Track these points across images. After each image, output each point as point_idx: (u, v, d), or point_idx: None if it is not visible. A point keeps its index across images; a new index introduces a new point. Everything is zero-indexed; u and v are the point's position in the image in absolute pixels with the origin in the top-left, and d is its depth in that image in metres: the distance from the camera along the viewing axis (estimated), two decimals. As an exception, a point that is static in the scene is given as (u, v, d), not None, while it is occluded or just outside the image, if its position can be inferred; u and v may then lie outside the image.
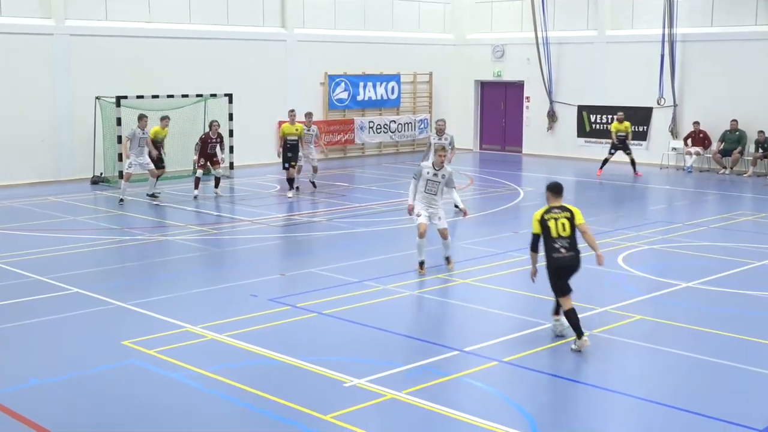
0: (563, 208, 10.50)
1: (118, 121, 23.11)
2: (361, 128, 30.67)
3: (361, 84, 30.54)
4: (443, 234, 13.84)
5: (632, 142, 29.24)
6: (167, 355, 9.93)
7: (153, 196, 21.26)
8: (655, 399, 8.80)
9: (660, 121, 28.60)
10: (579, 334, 10.15)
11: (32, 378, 9.29)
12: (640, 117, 28.94)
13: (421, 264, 13.69)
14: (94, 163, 24.18)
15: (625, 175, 26.25)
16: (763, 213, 20.00)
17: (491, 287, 13.09)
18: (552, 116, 31.09)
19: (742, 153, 26.42)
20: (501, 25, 32.72)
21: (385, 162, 29.39)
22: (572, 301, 10.39)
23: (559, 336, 10.63)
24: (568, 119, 30.77)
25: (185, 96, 24.79)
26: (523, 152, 32.03)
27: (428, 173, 13.83)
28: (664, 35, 27.92)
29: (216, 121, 22.14)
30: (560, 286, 10.42)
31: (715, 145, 27.08)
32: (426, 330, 10.96)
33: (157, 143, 21.78)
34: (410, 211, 13.93)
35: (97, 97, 23.99)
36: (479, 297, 12.53)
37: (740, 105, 26.66)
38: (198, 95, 25.17)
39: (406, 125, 32.02)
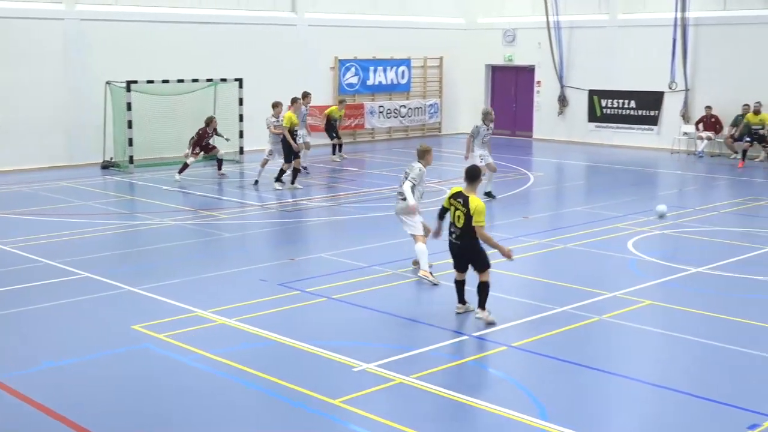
0: (466, 202, 10.48)
1: (128, 106, 23.12)
2: (371, 113, 30.59)
3: (372, 68, 30.45)
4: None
5: (642, 127, 29.20)
6: (177, 339, 9.95)
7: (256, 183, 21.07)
8: (665, 384, 8.78)
9: (671, 106, 28.44)
10: (482, 305, 10.61)
11: (45, 361, 9.32)
12: (652, 101, 28.81)
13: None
14: (104, 148, 24.20)
15: (636, 160, 26.15)
16: (775, 198, 19.91)
17: (501, 272, 13.04)
18: (563, 101, 30.96)
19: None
20: (512, 9, 32.55)
21: (395, 147, 29.33)
22: (488, 277, 10.62)
23: (491, 324, 10.48)
24: (578, 104, 30.63)
25: (195, 81, 24.77)
26: (534, 137, 31.91)
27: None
28: (676, 19, 27.72)
29: (214, 117, 22.73)
30: (454, 263, 10.97)
31: (726, 130, 26.93)
32: (435, 315, 10.95)
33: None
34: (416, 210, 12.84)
35: (107, 82, 23.99)
36: (499, 284, 12.46)
37: (753, 89, 26.44)
38: (208, 80, 25.14)
39: (416, 110, 31.94)
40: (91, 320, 10.81)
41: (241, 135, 25.29)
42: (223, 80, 25.41)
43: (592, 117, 30.30)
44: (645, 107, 29.08)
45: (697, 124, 27.50)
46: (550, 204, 19.42)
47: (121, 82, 23.47)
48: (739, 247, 14.71)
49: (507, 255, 10.52)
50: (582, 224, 16.62)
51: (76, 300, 11.58)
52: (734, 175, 23.42)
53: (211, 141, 22.48)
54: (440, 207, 11.09)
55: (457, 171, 23.58)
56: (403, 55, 31.32)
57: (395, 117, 31.39)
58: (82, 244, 14.79)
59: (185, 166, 21.96)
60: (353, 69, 29.97)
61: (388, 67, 30.91)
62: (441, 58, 32.61)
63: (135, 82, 23.35)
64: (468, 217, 10.47)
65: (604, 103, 29.95)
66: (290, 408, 8.17)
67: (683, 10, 27.67)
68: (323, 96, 28.74)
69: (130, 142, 23.27)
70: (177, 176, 21.67)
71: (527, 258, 14.11)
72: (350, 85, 29.90)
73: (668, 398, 8.50)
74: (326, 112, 26.56)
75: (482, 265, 10.65)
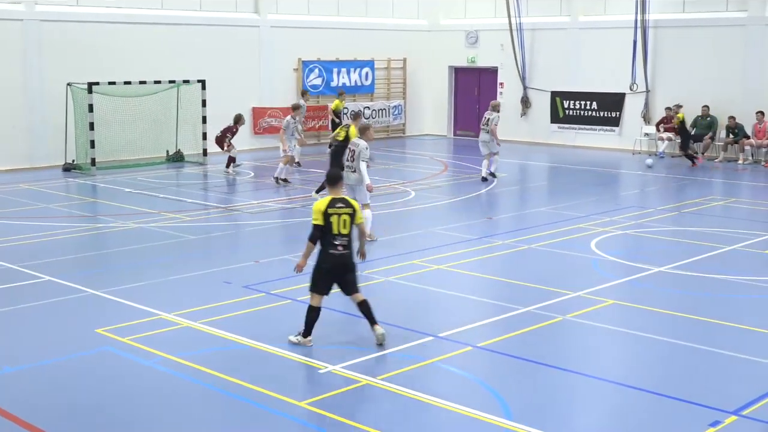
0: (346, 203, 9.79)
1: (90, 108, 22.88)
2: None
3: (335, 70, 30.40)
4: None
5: (604, 128, 29.45)
6: (141, 342, 9.85)
7: (285, 180, 21.24)
8: (628, 383, 8.85)
9: (633, 107, 28.69)
10: (372, 322, 9.83)
11: (6, 366, 9.19)
12: (613, 103, 29.05)
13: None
14: (66, 150, 23.93)
15: (598, 161, 26.36)
16: (733, 198, 20.17)
17: (465, 272, 13.10)
18: (526, 102, 31.12)
19: (713, 138, 26.59)
20: (474, 11, 32.68)
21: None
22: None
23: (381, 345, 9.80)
24: (541, 105, 30.83)
25: (158, 82, 24.57)
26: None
27: None
28: (636, 21, 27.98)
29: (242, 116, 23.96)
30: (326, 285, 9.80)
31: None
32: (400, 316, 10.95)
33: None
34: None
35: (68, 84, 23.72)
36: (453, 282, 12.54)
37: (711, 91, 26.81)
38: (170, 81, 24.96)
39: (381, 111, 31.94)
40: (53, 324, 10.67)
41: (204, 137, 25.12)
42: (186, 82, 25.25)
43: (555, 118, 30.51)
44: (607, 108, 29.32)
45: (657, 125, 27.79)
46: (514, 204, 19.52)
47: (83, 84, 23.22)
48: (700, 246, 14.86)
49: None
50: (545, 224, 16.70)
51: (39, 304, 11.42)
52: (694, 175, 23.68)
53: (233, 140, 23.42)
54: (312, 228, 9.75)
55: (421, 173, 23.64)
56: (367, 57, 31.32)
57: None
58: (44, 248, 14.60)
59: (231, 159, 22.95)
60: (317, 70, 29.91)
61: (352, 69, 30.89)
62: (404, 60, 32.65)
63: (97, 83, 23.12)
64: (353, 218, 9.76)
65: (566, 104, 30.19)
66: (255, 410, 8.12)
67: (643, 12, 27.95)
68: (287, 97, 28.63)
69: (92, 144, 23.03)
70: (229, 170, 22.78)
71: (491, 258, 14.15)
72: (314, 86, 29.83)
73: (632, 396, 8.57)
74: (331, 107, 27.35)
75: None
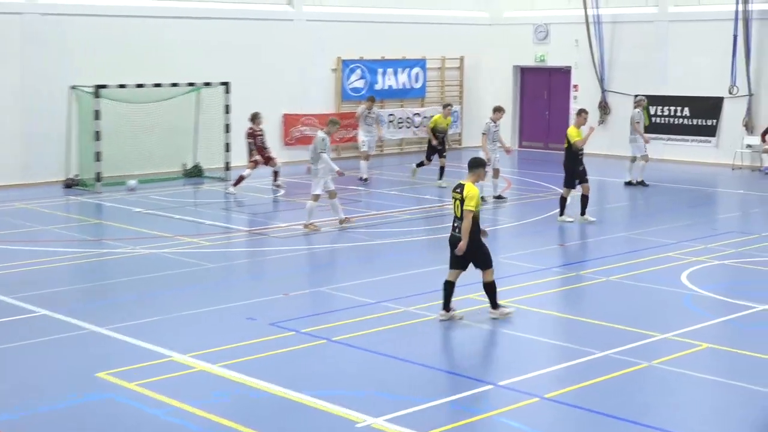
0: (461, 187, 11.98)
1: (96, 114, 23.20)
2: (380, 122, 30.59)
3: (380, 71, 30.53)
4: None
5: (698, 139, 29.13)
6: (150, 388, 9.87)
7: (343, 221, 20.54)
8: (726, 443, 8.67)
9: (732, 114, 28.40)
10: (494, 305, 12.25)
11: (-9, 415, 9.26)
12: (709, 109, 28.78)
13: None
14: (68, 163, 24.26)
15: (691, 177, 26.06)
16: None
17: (531, 309, 12.97)
18: (605, 108, 30.95)
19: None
20: (544, 2, 32.66)
21: (408, 162, 29.27)
22: (492, 276, 12.12)
23: (508, 314, 12.26)
24: (623, 111, 30.55)
25: (175, 85, 24.82)
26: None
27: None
28: (737, 12, 27.73)
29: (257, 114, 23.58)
30: (450, 260, 12.21)
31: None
32: (454, 360, 10.88)
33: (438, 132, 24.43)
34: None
35: (72, 87, 24.07)
36: (518, 322, 12.42)
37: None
38: (189, 84, 25.20)
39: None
40: (49, 367, 10.74)
41: (227, 148, 25.29)
42: (207, 84, 25.47)
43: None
44: (701, 115, 29.03)
45: (763, 135, 27.44)
46: (590, 229, 19.33)
47: (89, 87, 23.55)
48: (813, 279, 14.62)
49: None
50: (627, 253, 16.55)
51: (33, 343, 11.50)
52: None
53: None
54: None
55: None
56: (418, 55, 31.39)
57: (408, 127, 31.44)
58: (40, 277, 14.75)
59: (241, 177, 22.98)
60: (359, 71, 30.04)
61: (400, 69, 30.99)
62: (461, 59, 32.67)
63: (104, 86, 23.45)
64: (463, 203, 11.82)
65: (653, 110, 29.86)
66: (281, 471, 8.08)
67: (746, 1, 27.68)
68: (323, 103, 28.79)
69: (98, 157, 23.33)
70: (278, 183, 23.51)
71: (563, 293, 14.02)
72: (355, 89, 29.96)
73: (731, 460, 8.39)
74: (429, 124, 25.65)
75: (484, 262, 12.06)
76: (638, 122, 23.75)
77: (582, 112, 19.78)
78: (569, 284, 14.55)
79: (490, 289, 12.17)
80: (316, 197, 18.24)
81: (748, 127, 28.13)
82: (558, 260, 16.01)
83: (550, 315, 12.85)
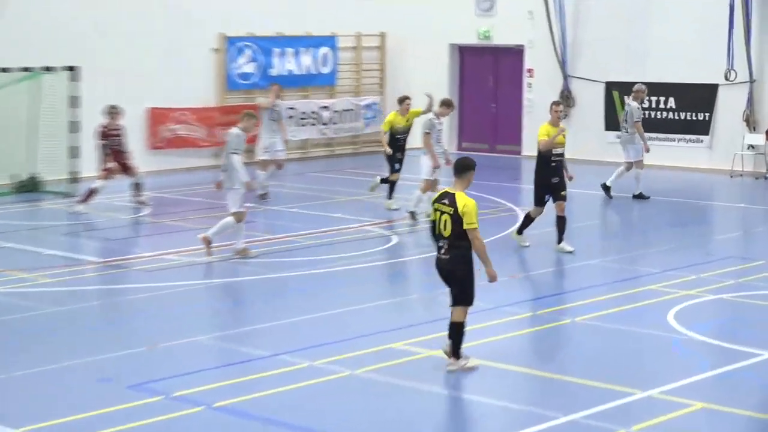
0: (449, 198, 12.19)
1: None
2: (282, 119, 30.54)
3: (277, 51, 30.52)
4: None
5: (687, 137, 29.45)
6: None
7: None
8: None
9: (730, 106, 28.82)
10: (456, 353, 12.37)
11: None
12: (700, 100, 29.15)
13: None
14: None
15: (679, 187, 26.37)
16: None
17: (481, 362, 12.95)
18: (568, 99, 31.17)
19: None
20: (489, -38, 32.94)
21: (313, 170, 29.26)
22: (464, 317, 12.24)
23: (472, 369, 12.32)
24: (591, 103, 30.92)
25: (4, 71, 24.48)
26: (523, 153, 32.00)
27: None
28: (733, -22, 28.24)
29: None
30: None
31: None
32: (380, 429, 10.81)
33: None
34: None
35: None
36: (452, 378, 12.40)
37: None
38: (24, 69, 24.86)
39: (346, 113, 32.02)
40: None
41: (73, 153, 24.91)
42: (48, 69, 25.12)
43: (612, 122, 30.47)
44: (690, 108, 29.41)
45: (767, 132, 27.87)
46: (550, 256, 19.40)
47: None
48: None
49: (492, 276, 12.29)
50: (599, 286, 16.75)
51: None
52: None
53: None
54: (429, 223, 12.54)
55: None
56: (326, 32, 31.44)
57: (313, 125, 31.36)
58: None
59: (92, 191, 22.68)
60: (249, 51, 29.96)
61: (303, 49, 31.02)
62: (382, 35, 32.80)
63: None
64: (456, 219, 12.00)
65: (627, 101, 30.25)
66: None
67: (744, -34, 28.18)
68: (202, 94, 28.65)
69: None
70: (141, 198, 23.37)
71: (517, 339, 14.04)
72: (244, 75, 29.89)
73: None
74: (383, 127, 23.92)
75: (467, 295, 12.32)
76: (638, 120, 23.75)
77: (554, 105, 19.55)
78: (524, 328, 14.60)
79: (458, 331, 12.33)
80: (239, 216, 18.33)
81: (750, 122, 28.54)
82: (509, 296, 15.98)
83: (503, 369, 12.82)
